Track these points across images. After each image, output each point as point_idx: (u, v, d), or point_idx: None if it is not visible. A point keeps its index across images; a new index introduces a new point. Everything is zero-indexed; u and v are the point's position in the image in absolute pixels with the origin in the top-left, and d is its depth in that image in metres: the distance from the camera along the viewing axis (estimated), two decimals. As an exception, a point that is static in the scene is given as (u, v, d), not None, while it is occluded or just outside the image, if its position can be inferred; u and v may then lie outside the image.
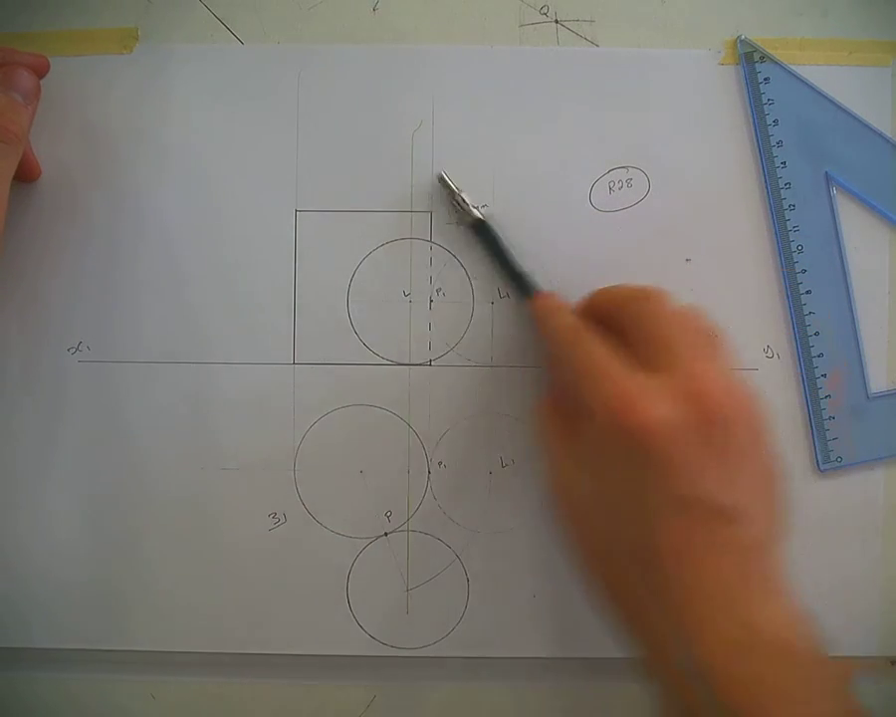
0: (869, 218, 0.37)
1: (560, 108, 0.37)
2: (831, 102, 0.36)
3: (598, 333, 0.31)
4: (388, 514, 0.37)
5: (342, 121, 0.36)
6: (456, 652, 0.37)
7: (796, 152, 0.36)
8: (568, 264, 0.36)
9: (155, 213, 0.37)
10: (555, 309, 0.34)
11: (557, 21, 0.37)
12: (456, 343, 0.37)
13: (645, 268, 0.36)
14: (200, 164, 0.36)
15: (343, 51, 0.37)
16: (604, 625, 0.30)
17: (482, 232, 0.36)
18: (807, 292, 0.36)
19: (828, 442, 0.36)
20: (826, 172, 0.36)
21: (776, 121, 0.36)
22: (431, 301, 0.37)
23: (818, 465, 0.36)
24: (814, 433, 0.36)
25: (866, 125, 0.36)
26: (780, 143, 0.36)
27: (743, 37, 0.36)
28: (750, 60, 0.36)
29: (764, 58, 0.36)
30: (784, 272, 0.36)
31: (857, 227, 0.36)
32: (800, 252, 0.36)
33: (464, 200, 0.35)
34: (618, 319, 0.31)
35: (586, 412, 0.29)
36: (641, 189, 0.37)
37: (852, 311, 0.36)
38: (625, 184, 0.37)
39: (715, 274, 0.37)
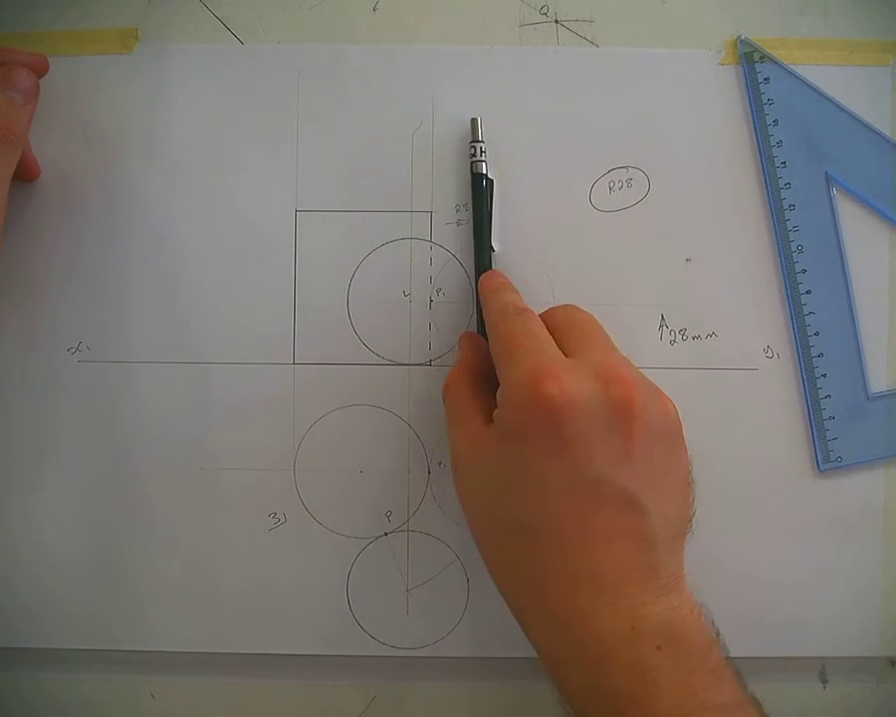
0: (869, 218, 0.37)
1: (561, 108, 0.37)
2: (831, 102, 0.36)
3: (540, 320, 0.32)
4: (388, 514, 0.37)
5: (342, 121, 0.36)
6: (456, 652, 0.37)
7: (796, 152, 0.36)
8: (568, 264, 0.36)
9: (155, 213, 0.37)
10: (498, 286, 0.34)
11: (557, 21, 0.37)
12: (456, 343, 0.37)
13: (645, 268, 0.36)
14: (200, 164, 0.36)
15: (343, 51, 0.37)
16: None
17: (479, 189, 0.36)
18: (807, 292, 0.36)
19: (828, 442, 0.36)
20: (826, 172, 0.36)
21: (776, 122, 0.36)
22: (431, 301, 0.37)
23: (818, 465, 0.36)
24: (814, 433, 0.36)
25: (866, 125, 0.36)
26: (780, 143, 0.36)
27: (743, 37, 0.36)
28: (750, 60, 0.36)
29: (764, 58, 0.36)
30: (784, 272, 0.36)
31: (857, 227, 0.36)
32: (800, 252, 0.36)
33: (482, 150, 0.35)
34: (551, 318, 0.32)
35: (503, 384, 0.30)
36: (641, 189, 0.37)
37: (852, 311, 0.36)
38: (625, 184, 0.37)
39: (715, 274, 0.37)
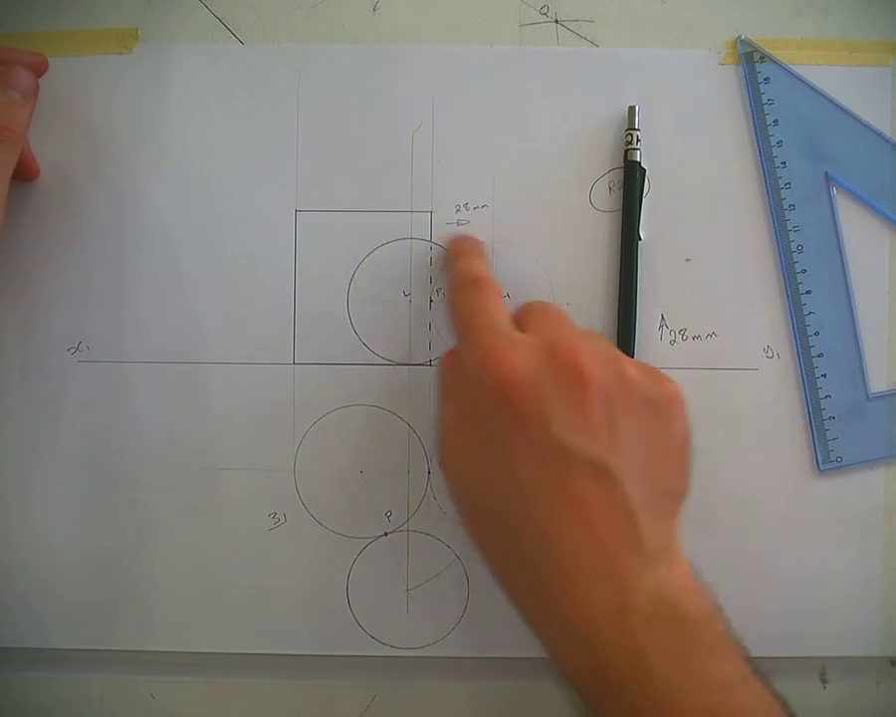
0: (869, 218, 0.37)
1: (561, 107, 0.37)
2: (831, 102, 0.36)
3: (497, 290, 0.32)
4: (388, 514, 0.37)
5: (342, 121, 0.36)
6: (456, 652, 0.37)
7: (796, 152, 0.36)
8: (568, 264, 0.36)
9: (155, 213, 0.37)
10: (461, 252, 0.34)
11: (557, 21, 0.37)
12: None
13: (645, 268, 0.36)
14: (200, 164, 0.36)
15: (343, 51, 0.37)
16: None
17: (632, 177, 0.36)
18: (807, 292, 0.36)
19: (828, 442, 0.36)
20: (826, 172, 0.36)
21: (776, 122, 0.36)
22: (431, 301, 0.37)
23: (818, 465, 0.36)
24: (814, 433, 0.36)
25: (866, 125, 0.36)
26: (780, 143, 0.36)
27: (743, 37, 0.36)
28: (750, 60, 0.36)
29: (764, 58, 0.36)
30: (784, 272, 0.36)
31: (857, 227, 0.36)
32: (800, 252, 0.36)
33: (638, 138, 0.35)
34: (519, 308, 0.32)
35: (464, 359, 0.30)
36: (641, 189, 0.37)
37: (852, 311, 0.36)
38: (625, 184, 0.37)
39: (715, 274, 0.37)
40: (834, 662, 0.37)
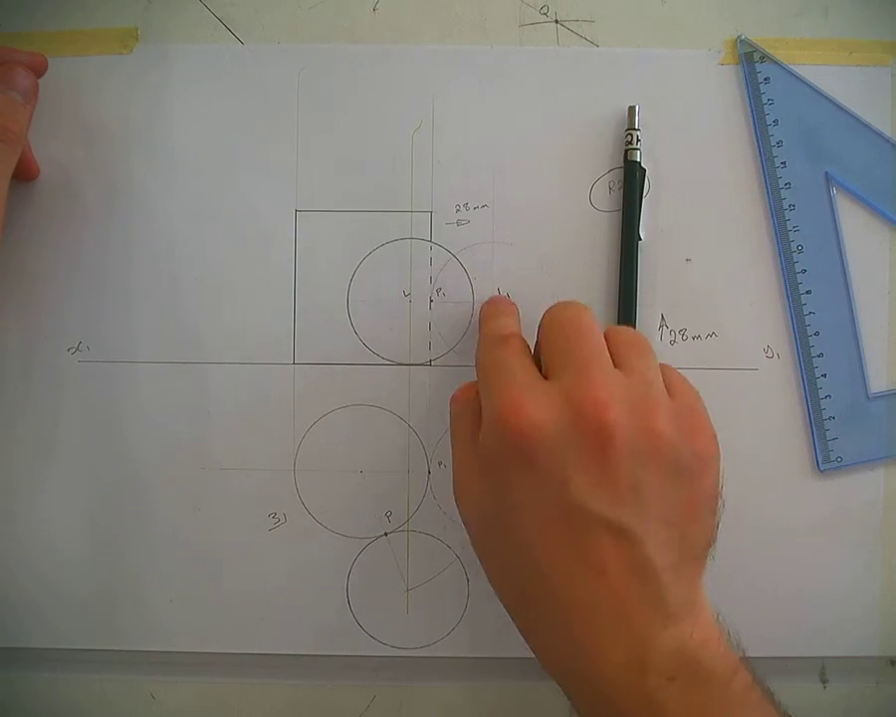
0: (869, 218, 0.37)
1: (560, 107, 0.37)
2: (831, 102, 0.36)
3: (523, 345, 0.31)
4: (388, 514, 0.37)
5: (342, 121, 0.36)
6: (456, 652, 0.37)
7: (796, 152, 0.36)
8: (569, 264, 0.36)
9: (155, 213, 0.37)
10: (493, 313, 0.34)
11: (557, 21, 0.37)
12: (456, 343, 0.37)
13: (645, 268, 0.36)
14: (200, 164, 0.36)
15: (343, 51, 0.37)
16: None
17: (632, 177, 0.36)
18: (807, 292, 0.36)
19: (828, 442, 0.36)
20: (826, 172, 0.36)
21: (776, 121, 0.36)
22: (431, 301, 0.37)
23: (818, 465, 0.36)
24: (814, 433, 0.36)
25: (866, 125, 0.36)
26: (780, 143, 0.36)
27: (743, 37, 0.36)
28: (750, 60, 0.36)
29: (764, 58, 0.36)
30: (784, 272, 0.36)
31: (857, 227, 0.36)
32: (800, 252, 0.36)
33: (638, 138, 0.35)
34: (542, 327, 0.31)
35: (482, 417, 0.29)
36: (641, 189, 0.37)
37: (852, 311, 0.36)
38: (625, 184, 0.37)
39: (715, 274, 0.37)
40: (834, 662, 0.37)
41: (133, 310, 0.37)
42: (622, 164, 0.36)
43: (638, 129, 0.36)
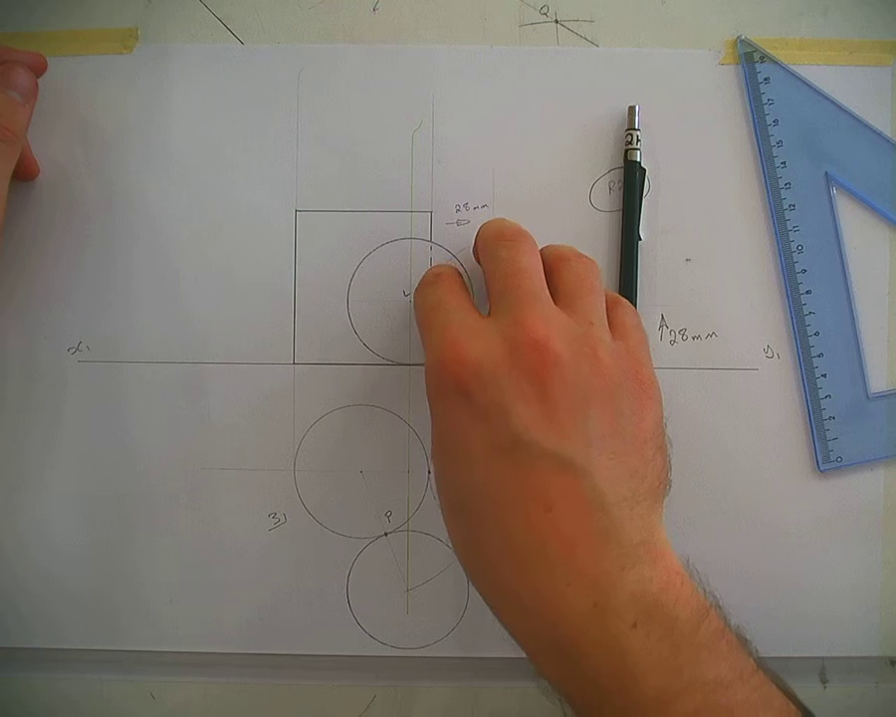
0: (869, 218, 0.37)
1: (560, 107, 0.37)
2: (831, 102, 0.36)
3: (459, 282, 0.31)
4: (388, 514, 0.37)
5: (342, 121, 0.36)
6: (456, 652, 0.37)
7: (796, 152, 0.36)
8: (569, 264, 0.36)
9: (155, 213, 0.37)
10: (436, 269, 0.33)
11: (557, 21, 0.37)
12: (456, 343, 0.37)
13: (645, 268, 0.36)
14: (200, 164, 0.36)
15: (343, 51, 0.37)
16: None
17: (632, 177, 0.36)
18: (807, 292, 0.36)
19: (828, 442, 0.36)
20: (826, 172, 0.36)
21: (776, 121, 0.36)
22: (431, 301, 0.37)
23: (818, 465, 0.36)
24: (814, 433, 0.36)
25: (866, 125, 0.36)
26: (780, 143, 0.36)
27: (743, 37, 0.36)
28: (750, 60, 0.36)
29: (764, 58, 0.36)
30: (784, 272, 0.36)
31: (857, 227, 0.36)
32: (800, 252, 0.36)
33: (638, 138, 0.35)
34: (482, 261, 0.31)
35: (425, 356, 0.29)
36: (641, 189, 0.37)
37: (852, 311, 0.36)
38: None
39: (715, 274, 0.37)
40: (834, 662, 0.37)
41: (133, 310, 0.37)
42: (622, 164, 0.36)
43: (638, 129, 0.36)
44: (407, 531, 0.37)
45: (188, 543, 0.37)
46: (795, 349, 0.36)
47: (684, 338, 0.37)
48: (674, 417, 0.36)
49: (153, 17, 0.37)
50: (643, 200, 0.36)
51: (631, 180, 0.36)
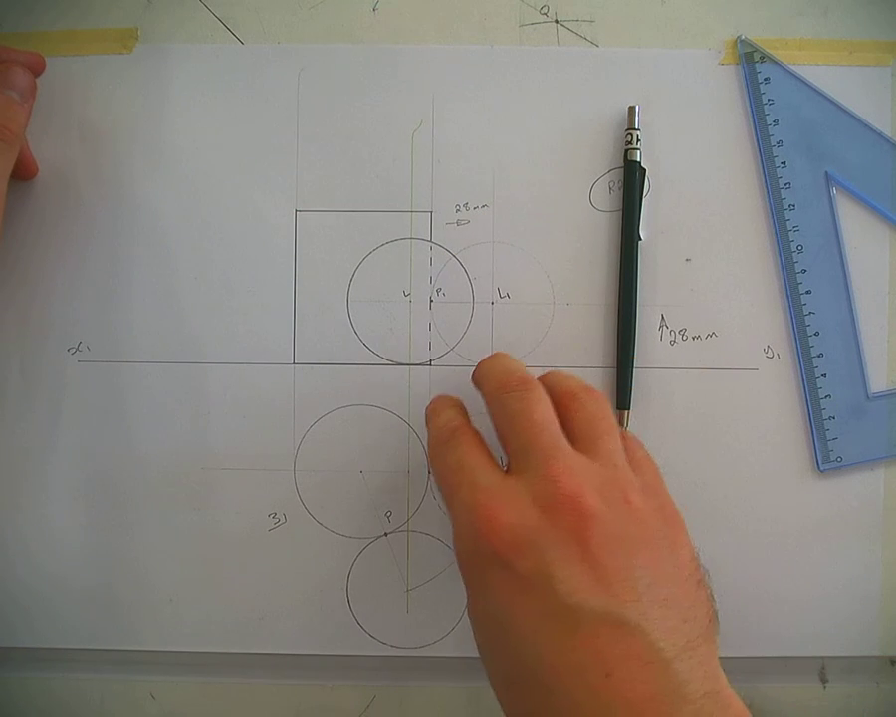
0: (869, 218, 0.37)
1: (560, 107, 0.37)
2: (831, 102, 0.36)
3: (475, 438, 0.29)
4: (388, 514, 0.37)
5: (342, 121, 0.36)
6: (456, 652, 0.37)
7: (796, 152, 0.36)
8: (568, 264, 0.36)
9: (155, 213, 0.37)
10: (433, 410, 0.32)
11: (557, 21, 0.37)
12: (456, 343, 0.37)
13: (645, 268, 0.36)
14: (200, 164, 0.36)
15: (343, 51, 0.37)
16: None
17: (632, 177, 0.36)
18: (807, 292, 0.36)
19: (828, 442, 0.36)
20: (826, 172, 0.36)
21: (776, 122, 0.36)
22: (431, 301, 0.37)
23: (818, 465, 0.36)
24: (814, 433, 0.36)
25: (866, 125, 0.36)
26: (780, 143, 0.36)
27: (743, 37, 0.36)
28: (750, 60, 0.36)
29: (764, 58, 0.36)
30: (784, 272, 0.36)
31: (857, 227, 0.36)
32: (800, 252, 0.36)
33: (638, 138, 0.35)
34: (490, 409, 0.30)
35: (452, 520, 0.28)
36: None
37: (852, 311, 0.36)
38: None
39: (715, 274, 0.37)
40: (834, 662, 0.37)
41: (133, 310, 0.37)
42: (622, 164, 0.36)
43: (638, 129, 0.36)
44: (407, 531, 0.37)
45: (188, 542, 0.37)
46: (795, 349, 0.36)
47: (684, 338, 0.36)
48: (674, 417, 0.36)
49: (153, 17, 0.37)
50: (643, 200, 0.36)
51: (631, 180, 0.36)
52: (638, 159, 0.36)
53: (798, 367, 0.36)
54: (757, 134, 0.36)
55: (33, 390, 0.36)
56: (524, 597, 0.25)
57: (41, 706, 0.37)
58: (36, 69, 0.35)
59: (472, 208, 0.36)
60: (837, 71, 0.36)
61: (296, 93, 0.36)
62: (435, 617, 0.37)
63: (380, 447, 0.37)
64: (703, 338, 0.36)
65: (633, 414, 0.36)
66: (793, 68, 0.36)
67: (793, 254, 0.36)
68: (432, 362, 0.37)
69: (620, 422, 0.36)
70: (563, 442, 0.28)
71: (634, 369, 0.36)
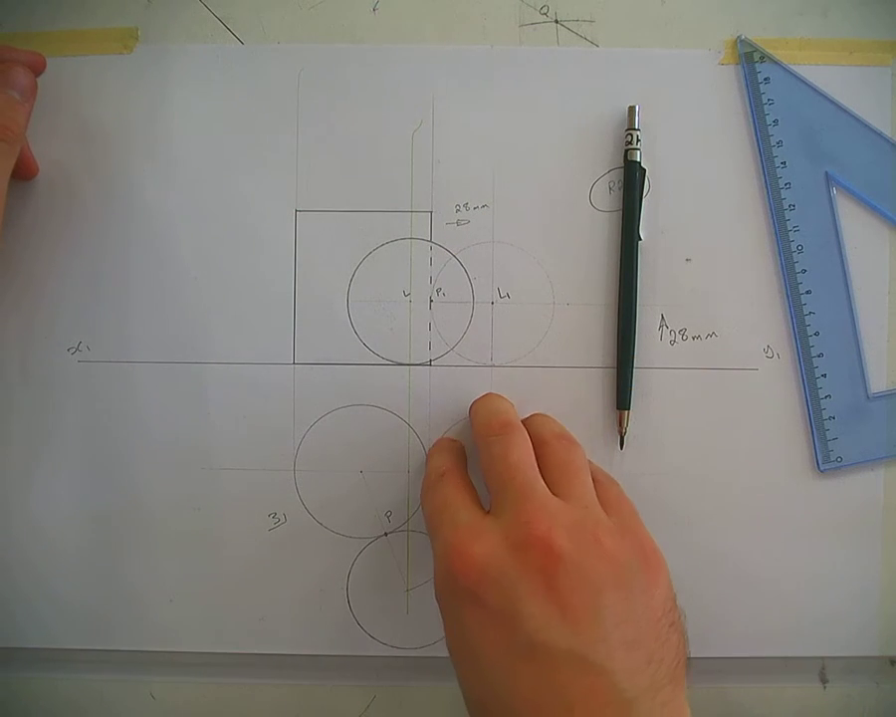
0: (869, 218, 0.37)
1: (560, 107, 0.37)
2: (831, 102, 0.36)
3: (462, 480, 0.31)
4: (388, 514, 0.37)
5: (342, 121, 0.36)
6: (456, 652, 0.37)
7: (796, 152, 0.36)
8: (569, 264, 0.36)
9: (155, 213, 0.37)
10: (435, 451, 0.34)
11: (557, 21, 0.37)
12: (456, 343, 0.37)
13: (645, 268, 0.36)
14: (200, 164, 0.36)
15: (343, 51, 0.37)
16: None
17: (632, 177, 0.36)
18: (807, 292, 0.36)
19: (828, 442, 0.36)
20: (826, 172, 0.36)
21: (776, 121, 0.36)
22: (431, 301, 0.37)
23: (818, 465, 0.36)
24: (814, 433, 0.36)
25: (866, 125, 0.36)
26: (780, 143, 0.36)
27: (743, 37, 0.36)
28: (750, 60, 0.36)
29: (764, 58, 0.36)
30: (784, 272, 0.36)
31: (857, 227, 0.36)
32: (800, 252, 0.36)
33: (638, 139, 0.35)
34: (477, 450, 0.32)
35: (434, 556, 0.29)
36: (641, 189, 0.37)
37: (852, 311, 0.36)
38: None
39: (715, 274, 0.37)
40: (834, 662, 0.37)
41: (133, 310, 0.37)
42: (622, 164, 0.36)
43: (638, 129, 0.36)
44: (407, 531, 0.37)
45: (188, 543, 0.37)
46: (795, 348, 0.36)
47: (684, 338, 0.36)
48: (674, 417, 0.36)
49: (154, 17, 0.37)
50: (643, 200, 0.36)
51: (631, 180, 0.36)
52: (638, 159, 0.36)
53: (798, 367, 0.36)
54: (757, 134, 0.36)
55: (33, 390, 0.36)
56: (494, 631, 0.26)
57: (41, 706, 0.37)
58: (37, 69, 0.35)
59: (472, 208, 0.36)
60: (837, 71, 0.36)
61: (296, 93, 0.36)
62: (435, 617, 0.36)
63: (380, 447, 0.37)
64: (703, 338, 0.36)
65: (633, 414, 0.36)
66: (794, 68, 0.36)
67: (793, 254, 0.36)
68: (432, 362, 0.37)
69: (620, 422, 0.36)
70: (539, 484, 0.29)
71: (634, 369, 0.36)
